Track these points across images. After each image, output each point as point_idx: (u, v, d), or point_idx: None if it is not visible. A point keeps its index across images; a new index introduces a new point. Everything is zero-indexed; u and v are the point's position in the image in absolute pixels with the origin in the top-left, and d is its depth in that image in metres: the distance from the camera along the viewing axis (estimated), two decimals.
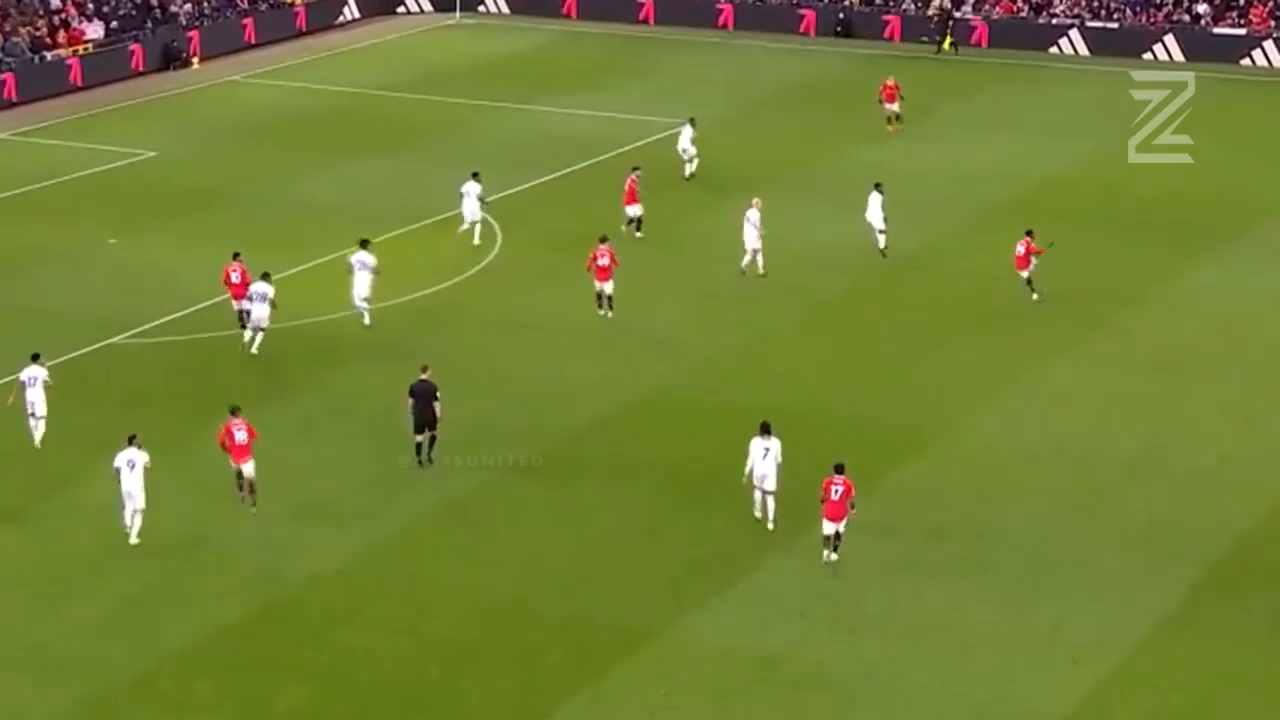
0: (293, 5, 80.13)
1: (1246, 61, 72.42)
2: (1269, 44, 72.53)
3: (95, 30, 72.03)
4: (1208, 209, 52.95)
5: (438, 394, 35.37)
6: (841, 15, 78.34)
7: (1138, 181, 55.46)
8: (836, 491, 31.69)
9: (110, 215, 52.60)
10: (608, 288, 43.39)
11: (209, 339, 41.43)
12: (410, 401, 35.47)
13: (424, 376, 35.65)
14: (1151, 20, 75.27)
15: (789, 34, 77.49)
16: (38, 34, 69.78)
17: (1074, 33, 75.21)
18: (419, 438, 35.57)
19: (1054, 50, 74.74)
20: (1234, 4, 74.98)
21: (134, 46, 72.11)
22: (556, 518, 33.92)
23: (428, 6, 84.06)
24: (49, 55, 69.55)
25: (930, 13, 76.80)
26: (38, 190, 55.62)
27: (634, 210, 49.82)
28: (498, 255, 48.78)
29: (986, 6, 78.14)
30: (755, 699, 28.24)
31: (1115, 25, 75.28)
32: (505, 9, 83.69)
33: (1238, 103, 66.79)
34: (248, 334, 41.44)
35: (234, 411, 34.29)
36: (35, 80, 68.05)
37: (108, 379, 40.40)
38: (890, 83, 60.91)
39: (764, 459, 32.82)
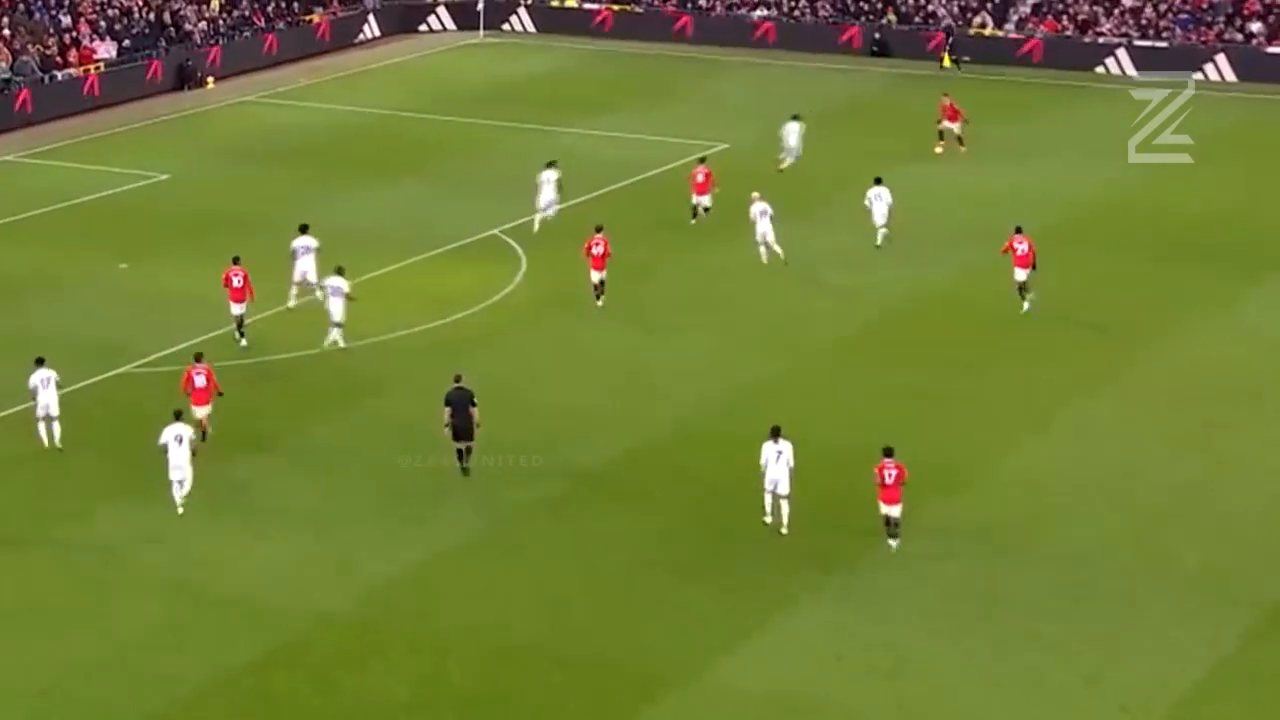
0: (311, 23, 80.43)
1: None
2: None
3: (107, 49, 72.34)
4: (1258, 234, 52.77)
5: (474, 400, 36.11)
6: (878, 35, 78.44)
7: (1185, 204, 55.39)
8: (890, 476, 32.99)
9: (121, 240, 52.73)
10: (602, 276, 45.69)
11: (223, 368, 41.40)
12: (447, 410, 36.18)
13: (459, 384, 36.43)
14: (1202, 39, 75.10)
15: (827, 53, 77.66)
16: (48, 53, 70.10)
17: (1121, 52, 75.09)
18: (459, 445, 36.24)
19: (1100, 70, 74.63)
20: None
21: (147, 65, 72.43)
22: (578, 554, 33.72)
23: (450, 25, 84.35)
24: (60, 74, 69.88)
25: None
26: (47, 214, 55.82)
27: (705, 199, 52.36)
28: (521, 282, 48.79)
29: (1031, 25, 78.08)
30: None
31: (1164, 44, 75.14)
32: (531, 27, 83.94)
33: None
34: (332, 334, 42.93)
35: (197, 358, 37.92)
36: (45, 100, 68.35)
37: (118, 409, 40.40)
38: (947, 102, 60.86)
39: (776, 462, 33.56)
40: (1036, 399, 40.75)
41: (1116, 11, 77.31)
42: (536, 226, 51.62)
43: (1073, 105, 68.99)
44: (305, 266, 45.04)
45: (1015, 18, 78.57)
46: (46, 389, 37.65)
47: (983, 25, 78.32)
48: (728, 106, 69.30)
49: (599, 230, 46.29)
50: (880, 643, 30.59)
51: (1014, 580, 32.58)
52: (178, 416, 35.59)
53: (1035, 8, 78.66)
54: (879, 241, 50.15)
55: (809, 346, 44.00)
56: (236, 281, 43.16)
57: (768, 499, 33.92)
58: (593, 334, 44.93)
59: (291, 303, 45.30)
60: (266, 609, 31.72)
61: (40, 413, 37.59)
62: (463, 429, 36.23)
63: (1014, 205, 54.26)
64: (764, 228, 48.67)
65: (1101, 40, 76.19)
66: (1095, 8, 77.67)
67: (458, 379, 36.74)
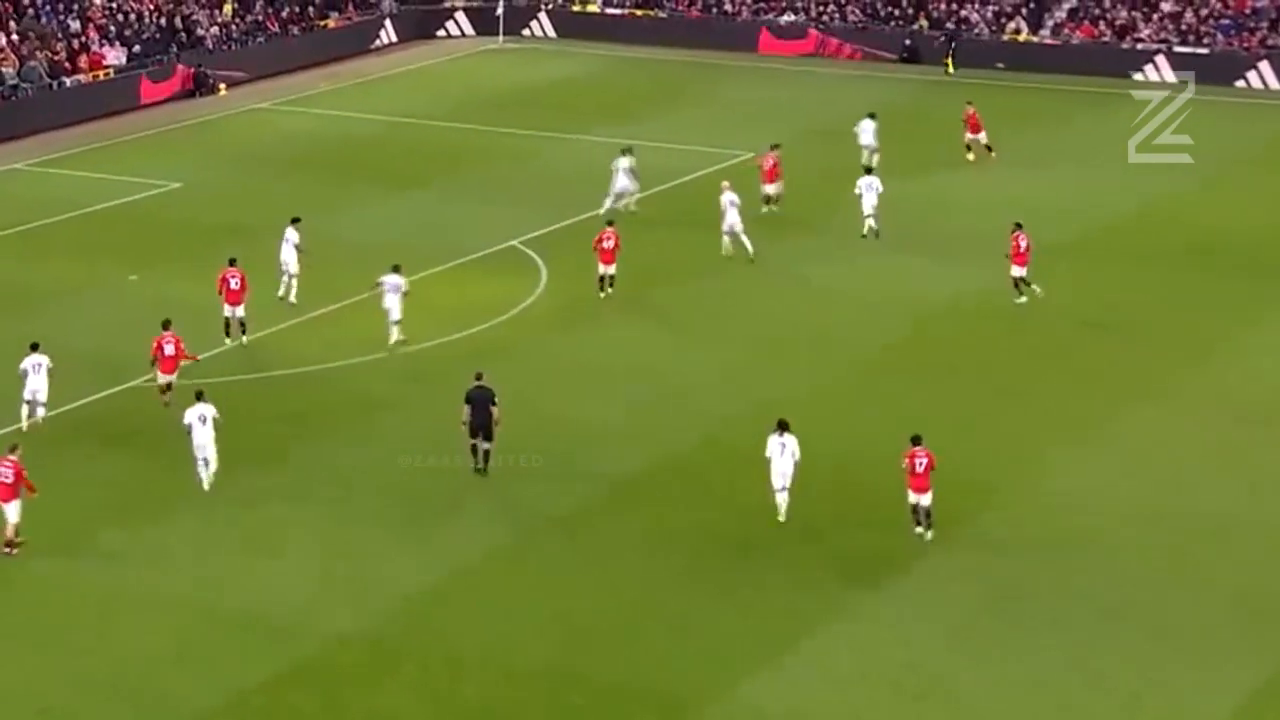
0: (326, 28, 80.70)
1: None
2: None
3: (117, 55, 72.64)
4: None
5: (495, 399, 36.94)
6: (909, 40, 78.52)
7: (1222, 218, 55.38)
8: (921, 464, 34.06)
9: (132, 250, 52.93)
10: (610, 270, 47.65)
11: (236, 382, 41.58)
12: (467, 408, 37.05)
13: (480, 382, 37.34)
14: (1245, 45, 74.98)
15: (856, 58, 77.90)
16: (56, 58, 70.38)
17: (1160, 58, 75.03)
18: (475, 444, 37.11)
19: (1138, 77, 74.53)
20: None
21: (158, 71, 72.69)
22: (596, 572, 33.79)
23: (469, 30, 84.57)
24: (68, 81, 70.16)
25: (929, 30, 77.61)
26: (54, 224, 55.99)
27: (773, 189, 54.52)
28: (541, 294, 48.92)
29: (1067, 30, 78.09)
30: None
31: (1205, 50, 75.05)
32: (552, 32, 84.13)
33: None
34: (393, 333, 44.22)
35: (165, 326, 40.48)
36: (54, 107, 68.63)
37: (127, 425, 40.50)
38: (971, 111, 61.11)
39: (781, 455, 34.73)
40: (1071, 414, 40.74)
41: (1155, 17, 77.28)
42: (624, 206, 53.99)
43: (1110, 113, 68.84)
44: (286, 256, 47.06)
45: (1051, 23, 78.60)
46: (37, 374, 39.17)
47: (1017, 31, 78.37)
48: (753, 114, 69.35)
49: (610, 224, 48.46)
50: (906, 664, 30.60)
51: (1046, 601, 32.54)
52: (199, 396, 36.98)
53: (1071, 13, 78.69)
54: (864, 231, 52.12)
55: (837, 358, 44.04)
56: (234, 283, 44.21)
57: (780, 499, 34.71)
58: (613, 347, 45.05)
59: (286, 295, 46.94)
60: (276, 627, 31.79)
61: (27, 396, 39.11)
62: (481, 427, 36.99)
63: (1050, 214, 54.33)
64: (733, 219, 50.52)
65: (1140, 46, 76.16)
66: (1134, 13, 77.68)
67: (479, 377, 37.59)
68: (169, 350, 40.25)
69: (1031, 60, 76.20)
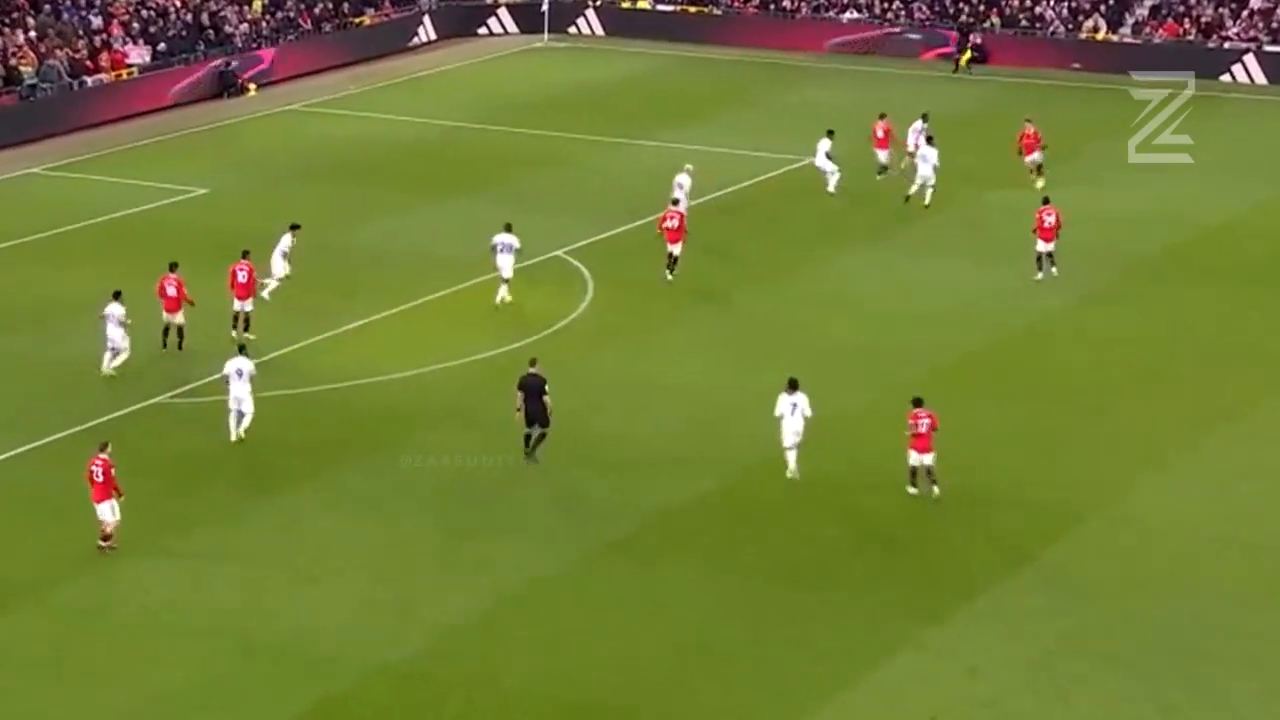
0: (362, 25, 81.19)
1: None
2: None
3: (141, 53, 73.21)
4: None
5: (547, 387, 38.31)
6: (980, 42, 78.54)
7: None
8: (924, 424, 36.89)
9: (155, 259, 53.17)
10: (675, 249, 49.99)
11: (266, 398, 41.87)
12: (519, 395, 38.82)
13: (533, 370, 39.16)
14: None
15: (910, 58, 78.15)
16: (77, 56, 70.96)
17: (1249, 58, 75.00)
18: (528, 431, 38.66)
19: (1226, 78, 74.50)
20: None
21: (183, 71, 73.25)
22: (650, 602, 33.96)
23: (512, 27, 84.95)
24: (89, 80, 70.71)
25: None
26: (74, 231, 56.40)
27: (882, 155, 59.04)
28: (588, 307, 49.15)
29: (1149, 29, 78.07)
30: None
31: None
32: (600, 30, 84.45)
33: None
34: (501, 292, 47.91)
35: (172, 267, 45.21)
36: (74, 108, 69.20)
37: (152, 443, 40.77)
38: (1030, 131, 60.21)
39: (792, 414, 37.48)
40: (1156, 437, 40.80)
41: (1244, 14, 77.22)
42: (831, 189, 57.85)
43: (1196, 117, 68.73)
44: (277, 261, 48.66)
45: (1132, 21, 78.59)
46: (110, 322, 43.57)
47: (1095, 29, 78.39)
48: (811, 116, 69.40)
49: (675, 203, 51.05)
50: (980, 702, 30.68)
51: (1128, 636, 32.61)
52: (241, 350, 40.80)
53: (1154, 10, 78.68)
54: (912, 191, 56.35)
55: (902, 378, 43.88)
56: (242, 277, 46.09)
57: (790, 456, 37.40)
58: (662, 364, 45.20)
59: (264, 295, 48.24)
60: (315, 658, 32.00)
61: (109, 345, 43.63)
62: (535, 415, 38.52)
63: (1133, 227, 54.48)
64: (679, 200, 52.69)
65: (1228, 45, 76.09)
66: (1220, 10, 77.64)
67: (533, 363, 39.11)
68: (171, 291, 44.70)
69: (1112, 60, 76.00)
